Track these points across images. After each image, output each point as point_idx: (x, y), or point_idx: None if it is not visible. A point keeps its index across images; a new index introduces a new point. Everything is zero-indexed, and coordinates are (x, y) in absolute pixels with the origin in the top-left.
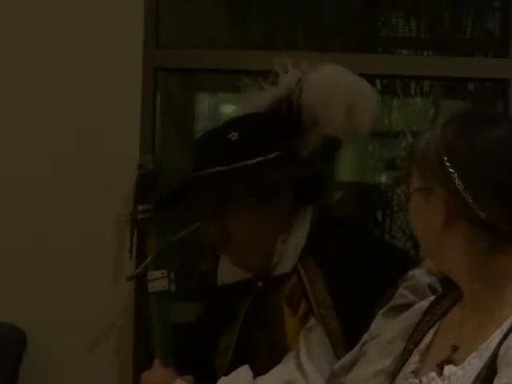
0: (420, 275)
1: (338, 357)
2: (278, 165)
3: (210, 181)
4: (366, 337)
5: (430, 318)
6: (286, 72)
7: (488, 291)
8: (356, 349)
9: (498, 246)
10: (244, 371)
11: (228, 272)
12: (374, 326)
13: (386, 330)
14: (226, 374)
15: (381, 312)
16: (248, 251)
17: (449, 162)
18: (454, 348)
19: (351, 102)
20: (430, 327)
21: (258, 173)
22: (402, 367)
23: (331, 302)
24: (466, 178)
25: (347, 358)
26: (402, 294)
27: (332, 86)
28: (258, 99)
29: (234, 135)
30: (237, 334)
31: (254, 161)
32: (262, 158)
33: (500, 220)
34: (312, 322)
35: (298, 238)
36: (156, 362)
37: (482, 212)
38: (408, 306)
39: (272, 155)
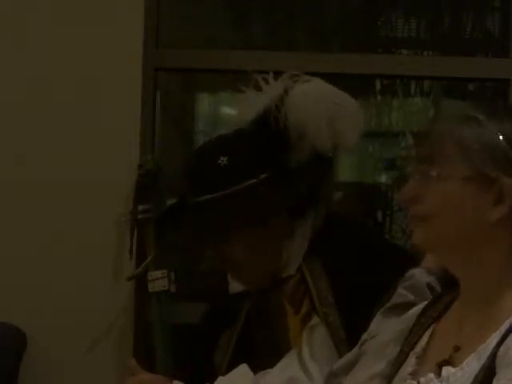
0: (419, 274)
1: (341, 356)
2: (272, 184)
3: (205, 209)
4: (365, 336)
5: (425, 320)
6: (266, 80)
7: (496, 290)
8: (356, 348)
9: None
10: (243, 370)
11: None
12: (373, 325)
13: (383, 331)
14: (226, 371)
15: (380, 311)
16: (254, 271)
17: None
18: (456, 348)
19: (334, 119)
20: (425, 330)
21: (253, 196)
22: (397, 370)
23: (334, 301)
24: None
25: (347, 357)
26: (401, 293)
27: (314, 103)
28: (244, 109)
29: (223, 160)
30: (237, 332)
31: (246, 184)
32: (254, 181)
33: None
34: (315, 320)
35: (301, 240)
36: (136, 366)
37: None
38: (407, 305)
39: (264, 175)
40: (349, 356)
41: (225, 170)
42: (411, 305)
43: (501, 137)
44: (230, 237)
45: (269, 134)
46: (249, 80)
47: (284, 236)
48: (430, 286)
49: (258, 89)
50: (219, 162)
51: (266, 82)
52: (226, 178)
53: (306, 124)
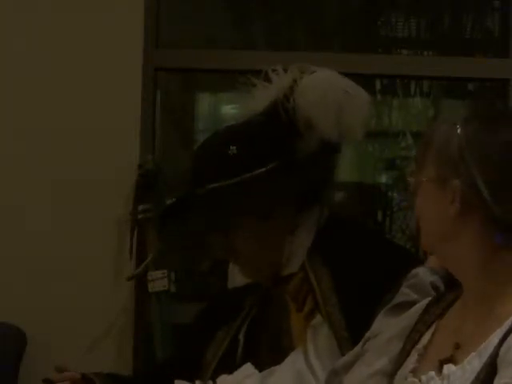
0: (423, 273)
1: (343, 354)
2: (280, 173)
3: (212, 197)
4: (368, 335)
5: (428, 317)
6: (276, 72)
7: (493, 288)
8: (358, 347)
9: (511, 243)
10: (249, 371)
11: (238, 275)
12: (375, 324)
13: (386, 329)
14: (217, 367)
15: (383, 310)
16: (256, 262)
17: (470, 157)
18: (457, 346)
19: (342, 108)
20: (428, 327)
21: (261, 184)
22: (399, 367)
23: (337, 300)
24: (486, 173)
25: (348, 356)
26: (404, 292)
27: (324, 92)
28: (253, 102)
29: (232, 149)
30: (234, 330)
31: (255, 173)
32: (262, 170)
33: None
34: (318, 319)
35: (305, 238)
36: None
37: (499, 208)
38: (409, 304)
39: (272, 165)
40: (350, 354)
41: (234, 159)
42: (414, 304)
43: (455, 139)
44: (234, 225)
45: (278, 123)
46: (249, 80)
47: (287, 229)
48: (433, 285)
49: (268, 82)
50: (229, 151)
51: (276, 73)
52: (236, 166)
53: (314, 112)
